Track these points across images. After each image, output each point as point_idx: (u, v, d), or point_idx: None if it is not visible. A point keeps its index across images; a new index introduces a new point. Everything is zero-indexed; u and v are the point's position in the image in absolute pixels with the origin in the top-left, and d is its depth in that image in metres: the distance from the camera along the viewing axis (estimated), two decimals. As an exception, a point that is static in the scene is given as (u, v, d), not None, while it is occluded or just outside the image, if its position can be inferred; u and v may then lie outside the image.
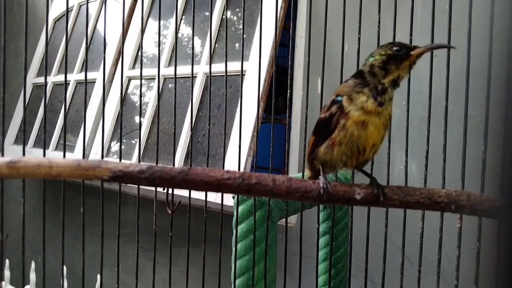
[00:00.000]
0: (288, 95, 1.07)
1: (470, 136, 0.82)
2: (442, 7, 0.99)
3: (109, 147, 2.16)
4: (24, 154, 0.92)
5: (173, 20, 2.13)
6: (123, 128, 2.15)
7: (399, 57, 0.67)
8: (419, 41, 1.39)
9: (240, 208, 0.97)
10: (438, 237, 0.86)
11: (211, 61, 1.03)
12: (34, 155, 2.46)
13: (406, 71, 0.69)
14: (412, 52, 0.68)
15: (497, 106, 0.75)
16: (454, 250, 0.83)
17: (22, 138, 1.06)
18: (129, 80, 2.22)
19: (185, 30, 2.16)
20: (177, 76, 1.08)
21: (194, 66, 1.09)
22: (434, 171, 0.91)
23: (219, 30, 1.89)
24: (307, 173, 0.79)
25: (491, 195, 0.66)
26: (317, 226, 1.07)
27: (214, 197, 1.44)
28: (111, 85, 2.23)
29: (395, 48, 0.68)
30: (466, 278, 0.82)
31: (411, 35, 0.91)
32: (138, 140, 1.99)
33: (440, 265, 0.86)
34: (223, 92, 1.75)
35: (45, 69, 1.04)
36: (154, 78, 2.13)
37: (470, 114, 0.82)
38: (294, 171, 1.72)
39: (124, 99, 2.18)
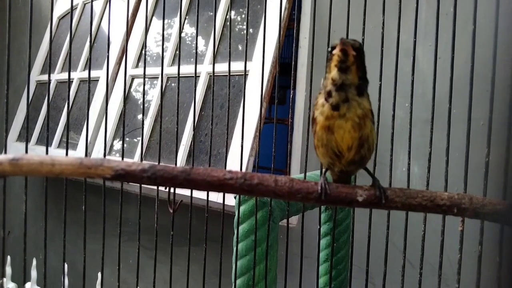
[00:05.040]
0: (291, 95, 1.07)
1: (473, 139, 0.82)
2: (446, 10, 0.99)
3: (112, 146, 2.17)
4: (26, 151, 0.93)
5: (177, 19, 2.13)
6: (125, 126, 2.16)
7: (327, 59, 0.65)
8: (423, 43, 1.40)
9: (242, 208, 0.97)
10: (439, 240, 0.86)
11: (214, 61, 1.03)
12: (36, 152, 2.46)
13: (333, 73, 0.63)
14: (333, 52, 0.63)
15: (500, 109, 0.75)
16: (455, 253, 0.83)
17: (25, 135, 1.07)
18: (133, 79, 2.22)
19: (189, 30, 2.16)
20: (180, 76, 1.08)
21: (198, 65, 1.09)
22: (437, 174, 0.91)
23: (222, 30, 1.90)
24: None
25: (494, 199, 0.66)
26: (318, 227, 1.07)
27: (215, 197, 1.44)
28: (114, 84, 2.23)
29: (328, 49, 0.64)
30: (467, 281, 0.82)
31: (415, 37, 0.91)
32: (140, 138, 1.99)
33: (441, 268, 0.86)
34: (226, 92, 1.75)
35: (48, 67, 1.04)
36: (158, 77, 2.13)
37: (474, 116, 0.82)
38: (296, 172, 1.72)
39: (127, 97, 2.18)
